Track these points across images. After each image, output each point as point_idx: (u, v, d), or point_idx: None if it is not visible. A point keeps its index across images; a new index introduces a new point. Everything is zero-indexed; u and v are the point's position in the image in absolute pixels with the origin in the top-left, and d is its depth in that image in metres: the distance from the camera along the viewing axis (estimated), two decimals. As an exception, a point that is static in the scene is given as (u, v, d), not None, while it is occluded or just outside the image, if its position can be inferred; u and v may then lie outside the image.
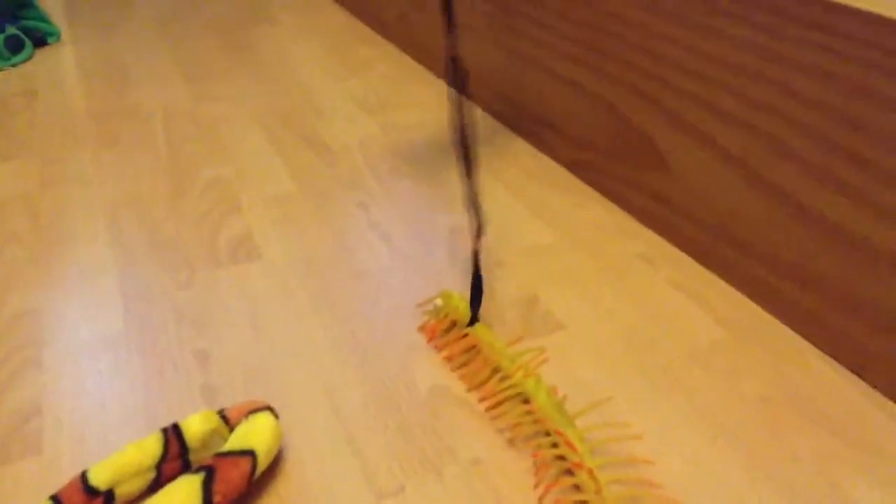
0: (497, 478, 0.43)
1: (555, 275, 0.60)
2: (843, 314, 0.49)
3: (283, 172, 0.76)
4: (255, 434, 0.41)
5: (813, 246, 0.50)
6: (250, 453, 0.40)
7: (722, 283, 0.58)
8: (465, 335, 0.51)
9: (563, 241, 0.64)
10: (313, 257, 0.63)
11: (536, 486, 0.42)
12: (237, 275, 0.61)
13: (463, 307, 0.52)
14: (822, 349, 0.52)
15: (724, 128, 0.55)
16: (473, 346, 0.51)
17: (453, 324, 0.53)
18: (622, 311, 0.56)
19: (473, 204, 0.52)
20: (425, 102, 0.92)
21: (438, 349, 0.52)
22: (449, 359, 0.51)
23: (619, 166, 0.67)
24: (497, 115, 0.86)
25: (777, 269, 0.54)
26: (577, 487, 0.42)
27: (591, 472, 0.40)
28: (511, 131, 0.84)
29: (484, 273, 0.58)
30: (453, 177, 0.75)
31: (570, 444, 0.42)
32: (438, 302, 0.56)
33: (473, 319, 0.52)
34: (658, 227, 0.64)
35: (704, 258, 0.60)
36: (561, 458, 0.43)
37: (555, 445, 0.43)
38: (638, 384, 0.49)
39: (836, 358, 0.51)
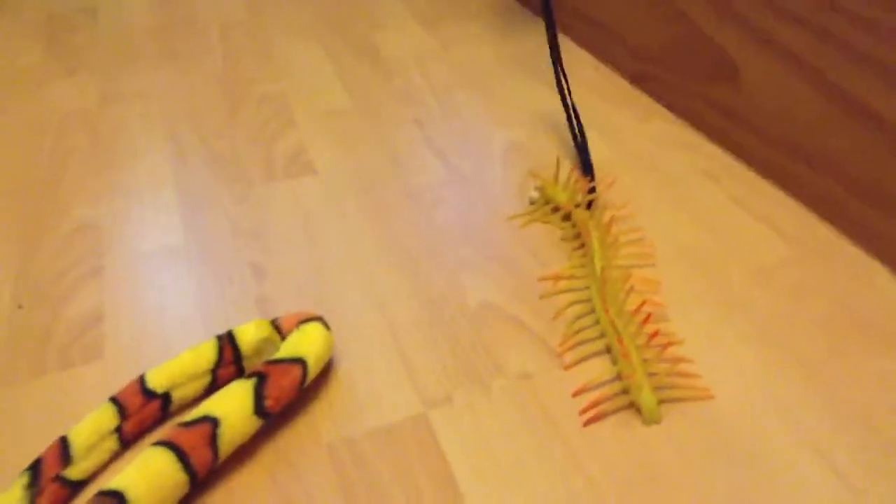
0: (544, 392, 0.42)
1: (613, 191, 0.58)
2: (920, 233, 0.47)
3: (338, 87, 0.75)
4: (306, 343, 0.42)
5: (887, 160, 0.47)
6: (301, 361, 0.41)
7: (788, 201, 0.56)
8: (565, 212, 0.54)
9: (623, 157, 0.62)
10: (367, 172, 0.62)
11: (576, 393, 0.42)
12: (292, 189, 0.61)
13: (563, 193, 0.54)
14: (891, 269, 0.49)
15: (800, 35, 0.51)
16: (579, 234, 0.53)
17: (555, 209, 0.55)
18: (682, 227, 0.54)
19: (556, 61, 0.56)
20: (483, 15, 0.89)
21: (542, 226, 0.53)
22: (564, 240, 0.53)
23: (685, 79, 0.64)
24: (558, 24, 0.83)
25: (848, 185, 0.51)
26: (619, 376, 0.42)
27: (626, 354, 0.40)
28: (572, 41, 0.80)
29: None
30: (510, 92, 0.73)
31: (613, 325, 0.42)
32: (534, 194, 0.56)
33: (589, 174, 0.56)
34: (724, 141, 0.61)
35: (771, 174, 0.57)
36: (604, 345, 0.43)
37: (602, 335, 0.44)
38: (695, 301, 0.48)
39: (909, 279, 0.48)
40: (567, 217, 0.54)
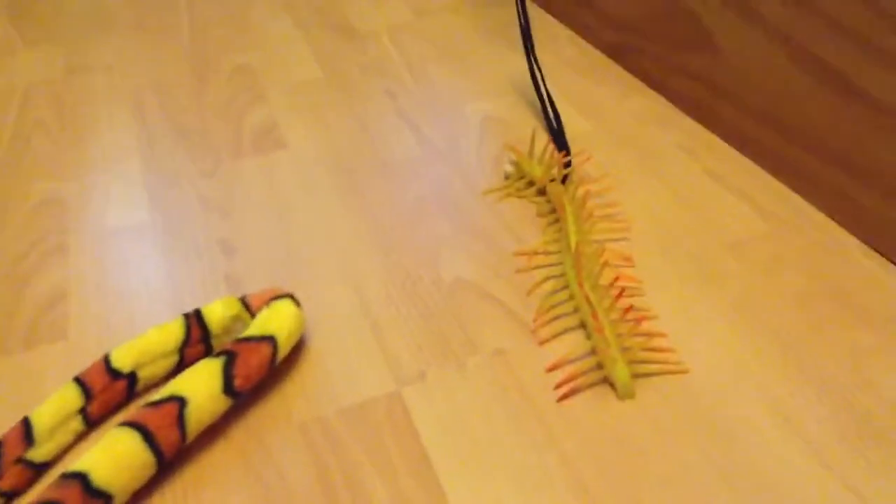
0: (519, 368, 0.42)
1: (590, 164, 0.57)
2: (892, 206, 0.47)
3: (310, 58, 0.74)
4: (276, 320, 0.41)
5: (865, 132, 0.47)
6: (271, 339, 0.40)
7: (764, 174, 0.55)
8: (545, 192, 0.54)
9: (601, 131, 0.61)
10: (340, 146, 0.61)
11: (550, 368, 0.42)
12: (262, 164, 0.59)
13: (538, 167, 0.54)
14: (866, 242, 0.49)
15: (777, 5, 0.51)
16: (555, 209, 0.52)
17: (530, 183, 0.55)
18: (658, 201, 0.53)
19: (526, 37, 0.57)
20: (459, -15, 0.87)
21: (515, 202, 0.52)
22: (539, 215, 0.53)
23: (662, 49, 0.63)
24: (534, -1, 0.82)
25: (824, 157, 0.50)
26: (593, 351, 0.42)
27: (600, 329, 0.40)
28: (550, 16, 0.79)
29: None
30: (485, 63, 0.72)
31: (588, 301, 0.42)
32: (509, 168, 0.55)
33: (564, 149, 0.56)
34: (700, 115, 0.61)
35: (747, 147, 0.57)
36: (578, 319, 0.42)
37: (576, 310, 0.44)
38: (670, 276, 0.47)
39: (880, 252, 0.48)
40: (542, 192, 0.54)
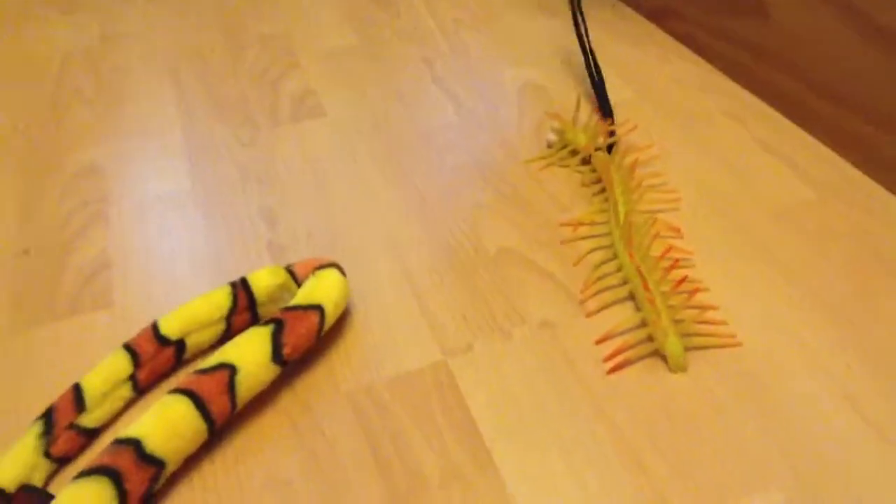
0: (567, 340, 0.41)
1: (636, 133, 0.56)
2: (954, 176, 0.45)
3: (343, 25, 0.73)
4: (322, 289, 0.41)
5: (927, 100, 0.45)
6: (318, 308, 0.40)
7: (814, 142, 0.54)
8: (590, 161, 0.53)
9: (644, 98, 0.60)
10: (377, 114, 0.60)
11: (600, 341, 0.41)
12: (300, 132, 0.59)
13: (583, 136, 0.53)
14: (924, 214, 0.48)
15: (834, -34, 0.49)
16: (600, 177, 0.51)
17: (574, 152, 0.53)
18: (705, 170, 0.52)
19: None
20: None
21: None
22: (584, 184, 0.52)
23: (707, 14, 0.62)
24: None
25: (875, 123, 0.49)
26: (643, 323, 0.41)
27: (652, 300, 0.40)
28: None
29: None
30: (524, 30, 0.70)
31: (639, 271, 0.41)
32: (552, 137, 0.54)
33: (609, 116, 0.55)
34: (749, 82, 0.59)
35: (797, 115, 0.55)
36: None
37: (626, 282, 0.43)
38: (718, 244, 0.46)
39: (940, 224, 0.47)
40: (587, 161, 0.53)
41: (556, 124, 0.55)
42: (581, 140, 0.53)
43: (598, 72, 0.56)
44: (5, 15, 0.79)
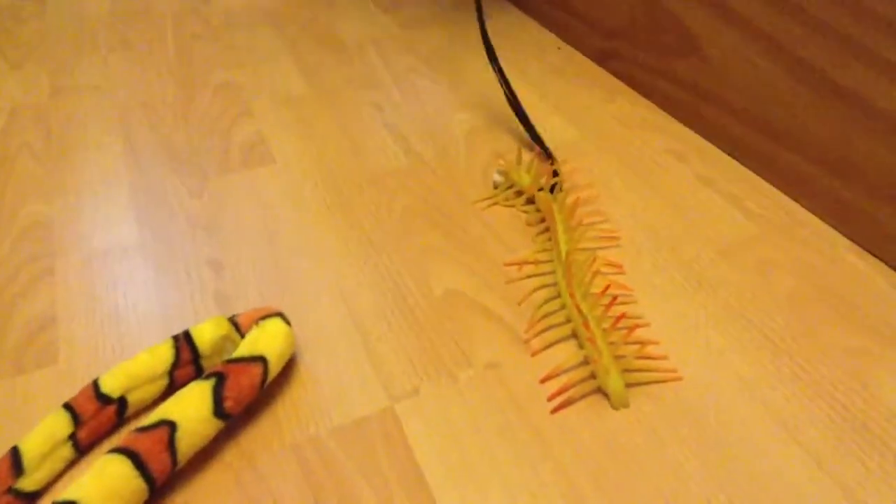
0: (512, 381, 0.42)
1: (577, 173, 0.57)
2: (882, 206, 0.47)
3: (295, 73, 0.74)
4: (266, 340, 0.41)
5: (852, 133, 0.47)
6: (261, 359, 0.39)
7: (754, 177, 0.55)
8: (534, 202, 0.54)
9: (586, 138, 0.61)
10: (327, 159, 0.61)
11: (544, 380, 0.41)
12: (250, 179, 0.59)
13: (526, 177, 0.54)
14: (857, 243, 0.49)
15: (759, 7, 0.51)
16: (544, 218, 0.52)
17: (519, 193, 0.54)
18: (648, 207, 0.53)
19: (488, 49, 0.57)
20: (443, -5, 0.87)
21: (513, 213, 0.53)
22: (528, 224, 0.53)
23: (648, 55, 0.63)
24: (520, 5, 0.82)
25: (810, 157, 0.50)
26: (586, 361, 0.42)
27: (593, 339, 0.40)
28: (536, 22, 0.79)
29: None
30: (471, 74, 0.71)
31: (579, 310, 0.42)
32: (497, 178, 0.55)
33: (550, 158, 0.56)
34: (689, 119, 0.61)
35: (737, 151, 0.57)
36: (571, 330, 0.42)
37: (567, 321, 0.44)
38: (661, 282, 0.47)
39: (872, 252, 0.48)
40: (531, 201, 0.54)
41: (501, 165, 0.56)
42: (525, 181, 0.54)
43: (526, 119, 0.57)
44: (-45, 71, 0.79)
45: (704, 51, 0.57)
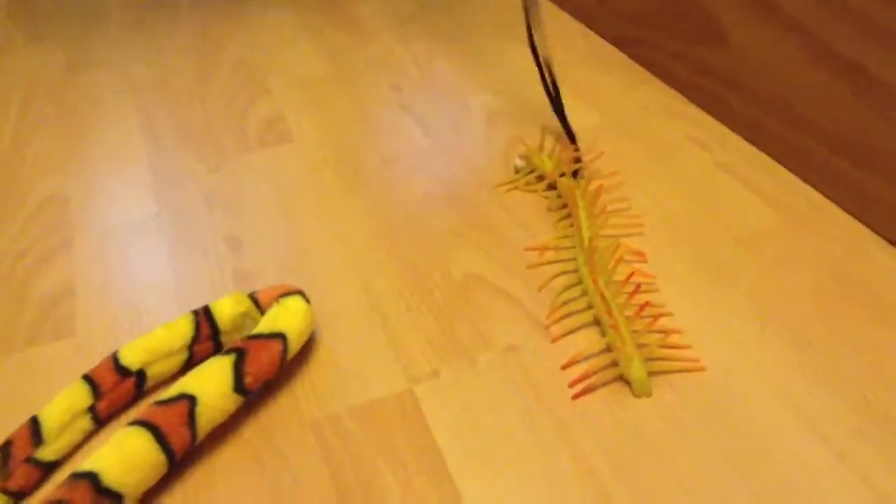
0: (532, 366, 0.41)
1: (602, 158, 0.57)
2: (910, 200, 0.46)
3: (313, 53, 0.73)
4: (286, 317, 0.40)
5: (877, 122, 0.46)
6: (281, 336, 0.39)
7: (777, 167, 0.55)
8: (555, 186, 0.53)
9: (608, 124, 0.61)
10: (345, 140, 0.60)
11: (565, 366, 0.41)
12: (267, 158, 0.59)
13: (549, 162, 0.53)
14: (881, 235, 0.49)
15: (790, -4, 0.50)
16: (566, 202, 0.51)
17: (541, 178, 0.54)
18: (668, 194, 0.53)
19: (531, 38, 0.55)
20: (463, -22, 0.87)
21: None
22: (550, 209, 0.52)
23: (672, 41, 0.63)
24: (540, -9, 0.81)
25: (837, 148, 0.50)
26: (608, 348, 0.41)
27: (616, 326, 0.40)
28: (559, 8, 0.78)
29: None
30: (493, 56, 0.71)
31: (602, 297, 0.42)
32: (519, 163, 0.54)
33: (574, 143, 0.55)
34: (712, 107, 0.60)
35: (760, 140, 0.56)
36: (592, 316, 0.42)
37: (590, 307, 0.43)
38: (682, 268, 0.47)
39: (894, 244, 0.48)
40: (552, 186, 0.53)
41: (523, 150, 0.55)
42: (547, 166, 0.53)
43: (560, 102, 0.56)
44: (-29, 42, 0.78)
45: (730, 38, 0.56)
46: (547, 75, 0.55)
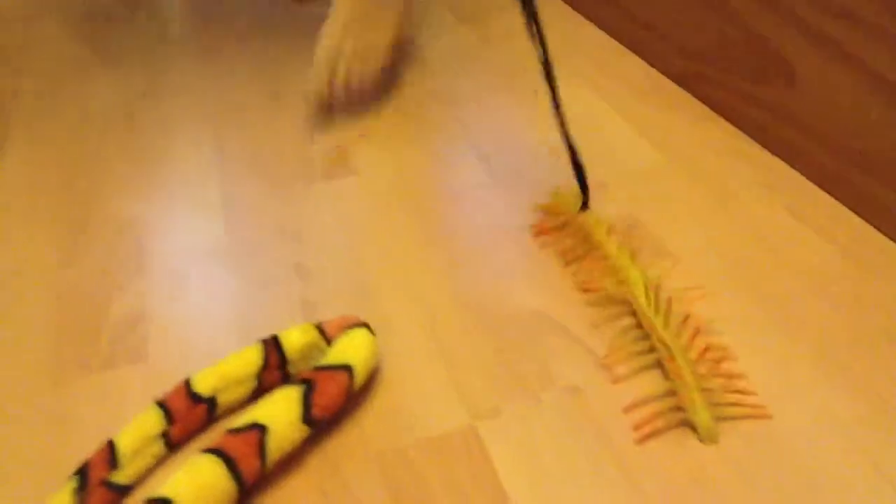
0: (595, 406, 0.41)
1: (661, 199, 0.57)
2: None
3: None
4: (353, 349, 0.41)
5: (959, 173, 0.45)
6: (348, 368, 0.40)
7: (847, 212, 0.54)
8: (572, 225, 0.53)
9: (672, 164, 0.60)
10: (409, 173, 0.61)
11: (628, 409, 0.41)
12: (334, 189, 0.60)
13: (575, 204, 0.53)
14: (958, 287, 0.47)
15: (863, 38, 0.49)
16: (585, 239, 0.51)
17: (566, 223, 0.53)
18: (735, 239, 0.52)
19: (548, 75, 0.52)
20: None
21: (548, 243, 0.53)
22: (562, 254, 0.52)
23: (738, 80, 0.62)
24: (603, 25, 0.81)
25: (913, 197, 0.49)
26: (671, 392, 0.41)
27: (680, 373, 0.40)
28: (619, 43, 0.79)
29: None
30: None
31: (663, 343, 0.42)
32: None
33: (585, 202, 0.53)
34: (779, 149, 0.60)
35: (830, 185, 0.56)
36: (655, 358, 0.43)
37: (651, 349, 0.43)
38: (749, 316, 0.46)
39: (974, 297, 0.47)
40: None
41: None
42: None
43: (577, 161, 0.53)
44: (51, 70, 0.82)
45: (799, 78, 0.56)
46: (562, 127, 0.53)
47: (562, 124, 0.52)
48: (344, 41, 0.67)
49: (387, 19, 0.71)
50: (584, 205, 0.53)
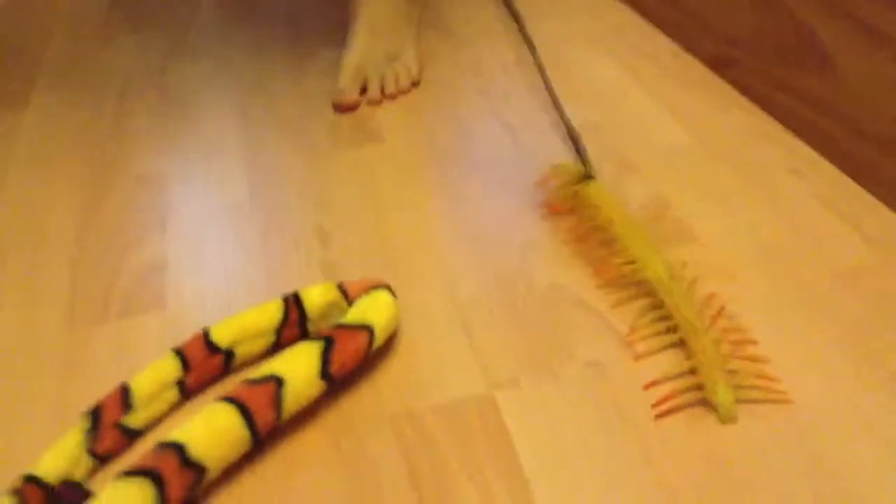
0: (614, 382, 0.41)
1: (689, 181, 0.56)
2: None
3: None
4: (373, 310, 0.41)
5: None
6: (368, 328, 0.40)
7: (876, 202, 0.53)
8: (581, 199, 0.52)
9: (701, 146, 0.60)
10: (434, 143, 0.61)
11: (648, 386, 0.40)
12: (358, 157, 0.59)
13: (577, 171, 0.53)
14: None
15: (908, 27, 0.48)
16: (596, 216, 0.50)
17: (575, 195, 0.53)
18: (762, 225, 0.52)
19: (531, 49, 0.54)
20: (558, -9, 0.86)
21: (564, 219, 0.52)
22: (572, 231, 0.51)
23: (770, 65, 0.61)
24: (636, 6, 0.80)
25: (948, 191, 0.48)
26: (692, 370, 0.40)
27: (704, 351, 0.39)
28: (654, 26, 0.78)
29: (611, 172, 0.55)
30: (583, 70, 0.70)
31: (688, 322, 0.41)
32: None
33: (587, 174, 0.53)
34: (810, 136, 0.59)
35: (860, 174, 0.55)
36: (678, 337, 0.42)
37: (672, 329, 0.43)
38: (775, 303, 0.46)
39: None
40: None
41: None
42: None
43: (573, 133, 0.55)
44: (75, 31, 0.81)
45: (835, 66, 0.55)
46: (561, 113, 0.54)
47: (552, 96, 0.52)
48: (373, 46, 0.66)
49: (411, 16, 0.71)
50: (588, 175, 0.53)
